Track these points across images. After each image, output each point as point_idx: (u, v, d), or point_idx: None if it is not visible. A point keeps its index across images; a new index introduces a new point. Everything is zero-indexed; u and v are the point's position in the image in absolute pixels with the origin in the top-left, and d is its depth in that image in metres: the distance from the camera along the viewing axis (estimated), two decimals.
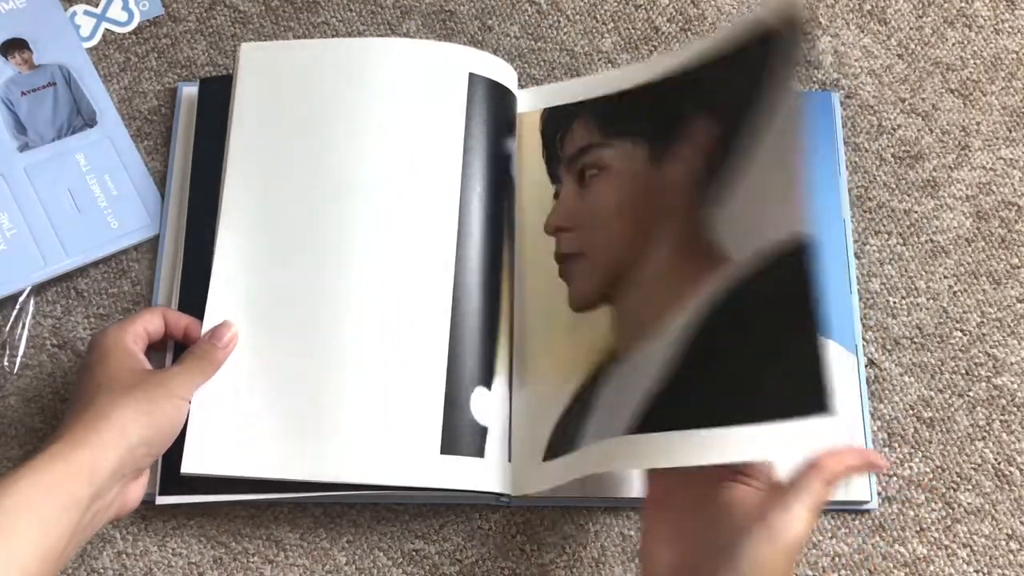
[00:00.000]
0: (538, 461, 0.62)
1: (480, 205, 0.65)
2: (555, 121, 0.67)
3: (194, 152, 0.69)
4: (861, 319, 0.68)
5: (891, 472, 0.65)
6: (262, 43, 0.69)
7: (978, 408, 0.66)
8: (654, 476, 0.55)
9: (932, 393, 0.67)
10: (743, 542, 0.46)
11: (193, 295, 0.64)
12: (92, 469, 0.51)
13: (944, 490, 0.65)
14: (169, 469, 0.61)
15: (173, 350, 0.64)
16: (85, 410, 0.54)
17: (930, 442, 0.66)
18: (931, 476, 0.65)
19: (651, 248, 0.56)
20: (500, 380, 0.63)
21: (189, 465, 0.60)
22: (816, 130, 0.70)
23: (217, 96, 0.69)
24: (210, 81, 0.71)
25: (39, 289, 0.69)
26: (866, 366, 0.67)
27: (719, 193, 0.53)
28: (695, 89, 0.55)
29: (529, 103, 0.70)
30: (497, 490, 0.61)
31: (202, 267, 0.65)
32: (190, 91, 0.72)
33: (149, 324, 0.61)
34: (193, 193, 0.68)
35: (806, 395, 0.46)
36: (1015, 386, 0.67)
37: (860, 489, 0.63)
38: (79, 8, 0.75)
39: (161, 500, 0.62)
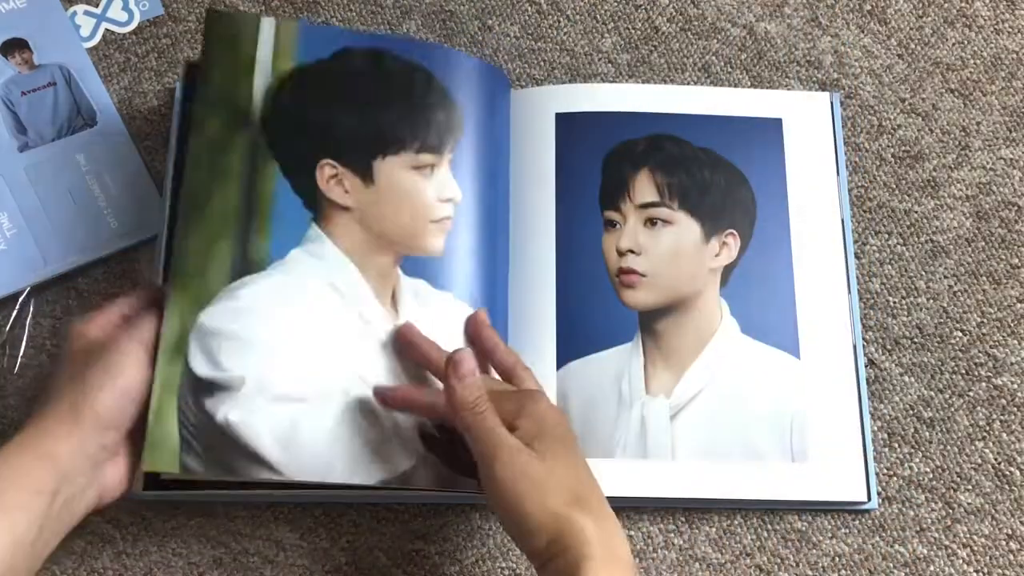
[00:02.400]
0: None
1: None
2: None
3: (176, 147, 0.68)
4: (861, 319, 0.68)
5: (891, 472, 0.65)
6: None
7: (978, 408, 0.66)
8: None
9: (932, 393, 0.67)
10: None
11: None
12: (53, 455, 0.51)
13: (944, 490, 0.65)
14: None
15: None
16: (47, 399, 0.54)
17: (930, 442, 0.66)
18: (931, 476, 0.65)
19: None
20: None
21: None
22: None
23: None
24: (196, 65, 0.64)
25: (39, 289, 0.69)
26: (866, 366, 0.67)
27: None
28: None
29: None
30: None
31: None
32: None
33: (122, 308, 0.58)
34: (176, 188, 0.66)
35: None
36: (1015, 386, 0.66)
37: (858, 489, 0.63)
38: (79, 8, 0.75)
39: (143, 495, 0.61)
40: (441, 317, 0.61)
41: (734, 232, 0.68)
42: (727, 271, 0.68)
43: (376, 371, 0.59)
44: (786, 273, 0.67)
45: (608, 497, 0.62)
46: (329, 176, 0.58)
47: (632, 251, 0.67)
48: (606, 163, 0.69)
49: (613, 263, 0.67)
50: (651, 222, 0.68)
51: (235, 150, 0.59)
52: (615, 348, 0.66)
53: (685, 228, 0.68)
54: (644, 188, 0.68)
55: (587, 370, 0.65)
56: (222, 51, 0.61)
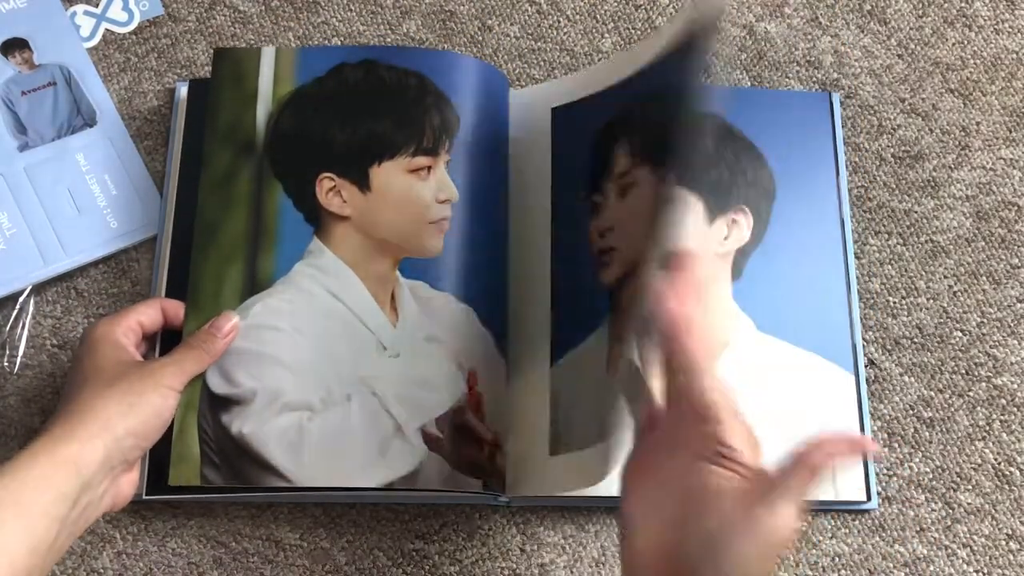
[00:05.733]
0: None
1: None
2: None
3: (183, 152, 0.69)
4: (861, 319, 0.68)
5: (891, 472, 0.65)
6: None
7: (978, 408, 0.66)
8: (641, 439, 0.52)
9: (932, 393, 0.67)
10: (727, 539, 0.44)
11: (181, 294, 0.64)
12: (78, 462, 0.51)
13: (944, 490, 0.65)
14: (156, 467, 0.61)
15: (160, 344, 0.63)
16: (71, 403, 0.54)
17: (930, 442, 0.66)
18: (931, 476, 0.65)
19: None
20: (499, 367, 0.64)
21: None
22: (816, 130, 0.70)
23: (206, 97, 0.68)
24: (200, 82, 0.70)
25: (39, 289, 0.69)
26: (866, 366, 0.67)
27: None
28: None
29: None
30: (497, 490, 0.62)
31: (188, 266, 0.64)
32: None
33: (144, 316, 0.60)
34: (182, 192, 0.68)
35: None
36: (1015, 386, 0.66)
37: (858, 489, 0.63)
38: (79, 8, 0.75)
39: (148, 497, 0.61)
40: (441, 318, 0.62)
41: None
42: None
43: (378, 374, 0.60)
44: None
45: (609, 497, 0.63)
46: (327, 189, 0.60)
47: (611, 229, 0.62)
48: (595, 144, 0.66)
49: (596, 248, 0.63)
50: (622, 189, 0.61)
51: (242, 178, 0.63)
52: (596, 333, 0.62)
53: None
54: (626, 160, 0.63)
55: (577, 362, 0.63)
56: (227, 86, 0.64)
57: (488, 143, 0.66)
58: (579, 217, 0.65)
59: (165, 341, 0.63)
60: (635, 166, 0.61)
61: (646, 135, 0.61)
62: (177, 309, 0.62)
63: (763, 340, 0.64)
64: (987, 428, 0.66)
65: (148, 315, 0.61)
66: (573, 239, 0.65)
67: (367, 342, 0.61)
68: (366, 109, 0.60)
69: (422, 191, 0.61)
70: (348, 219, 0.61)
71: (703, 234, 0.64)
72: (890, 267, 0.69)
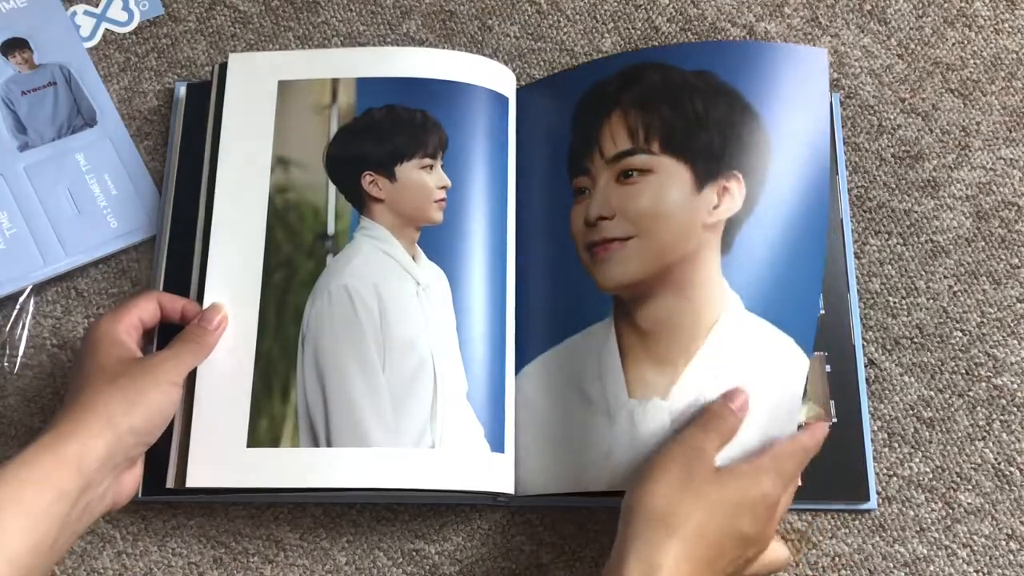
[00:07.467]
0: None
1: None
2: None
3: (180, 155, 0.70)
4: (861, 319, 0.68)
5: (891, 472, 0.65)
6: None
7: (978, 408, 0.66)
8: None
9: (932, 393, 0.67)
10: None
11: (180, 293, 0.64)
12: (80, 461, 0.51)
13: (944, 490, 0.65)
14: (152, 469, 0.61)
15: (158, 338, 0.64)
16: (73, 402, 0.54)
17: (930, 442, 0.66)
18: (931, 476, 0.65)
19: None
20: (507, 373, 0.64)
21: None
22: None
23: (205, 100, 0.69)
24: (198, 86, 0.72)
25: (39, 289, 0.69)
26: (866, 366, 0.67)
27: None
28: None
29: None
30: (499, 490, 0.61)
31: (186, 267, 0.65)
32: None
33: (144, 312, 0.60)
34: (179, 195, 0.69)
35: None
36: (1015, 386, 0.66)
37: (858, 490, 0.63)
38: (79, 8, 0.75)
39: (144, 498, 0.62)
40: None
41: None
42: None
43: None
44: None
45: (602, 494, 0.62)
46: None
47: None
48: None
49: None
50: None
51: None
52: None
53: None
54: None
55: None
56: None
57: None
58: (554, 206, 0.65)
59: (161, 334, 0.63)
60: (647, 150, 0.61)
61: (673, 120, 0.61)
62: (173, 303, 0.62)
63: (750, 319, 0.58)
64: (987, 428, 0.66)
65: (147, 310, 0.61)
66: (544, 231, 0.65)
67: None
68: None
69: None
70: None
71: (690, 204, 0.60)
72: (890, 267, 0.69)
